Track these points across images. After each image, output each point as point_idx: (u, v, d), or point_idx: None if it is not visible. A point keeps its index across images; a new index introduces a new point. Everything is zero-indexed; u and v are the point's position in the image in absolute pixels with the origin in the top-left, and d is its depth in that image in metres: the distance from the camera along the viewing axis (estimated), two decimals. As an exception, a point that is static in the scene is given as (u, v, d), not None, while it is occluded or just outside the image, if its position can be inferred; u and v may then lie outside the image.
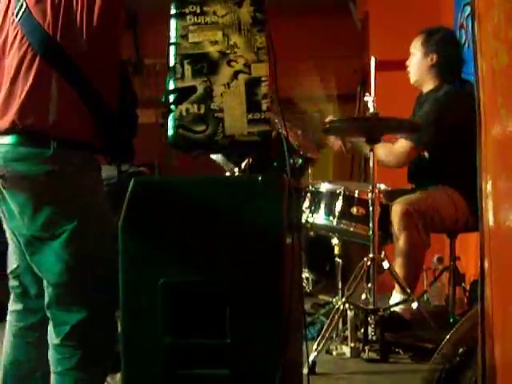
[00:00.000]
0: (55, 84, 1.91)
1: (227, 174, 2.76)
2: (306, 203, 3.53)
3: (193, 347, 1.85)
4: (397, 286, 3.36)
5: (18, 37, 1.94)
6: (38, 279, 2.03)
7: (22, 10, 1.93)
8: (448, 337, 2.70)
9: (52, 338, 1.97)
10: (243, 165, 2.71)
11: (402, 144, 3.61)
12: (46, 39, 1.91)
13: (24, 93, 1.90)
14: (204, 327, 1.84)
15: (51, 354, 1.98)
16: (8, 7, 2.01)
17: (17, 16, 1.94)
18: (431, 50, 3.66)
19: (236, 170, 2.73)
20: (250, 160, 2.70)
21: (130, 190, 1.85)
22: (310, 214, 3.49)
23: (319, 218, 3.53)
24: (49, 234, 1.91)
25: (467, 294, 3.79)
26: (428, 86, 3.74)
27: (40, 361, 2.06)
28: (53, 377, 1.98)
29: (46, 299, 1.96)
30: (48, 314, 1.98)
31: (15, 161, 1.90)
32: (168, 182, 2.00)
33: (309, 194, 3.55)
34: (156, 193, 1.89)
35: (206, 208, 1.86)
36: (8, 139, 1.90)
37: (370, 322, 3.14)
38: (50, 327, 1.98)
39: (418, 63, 3.73)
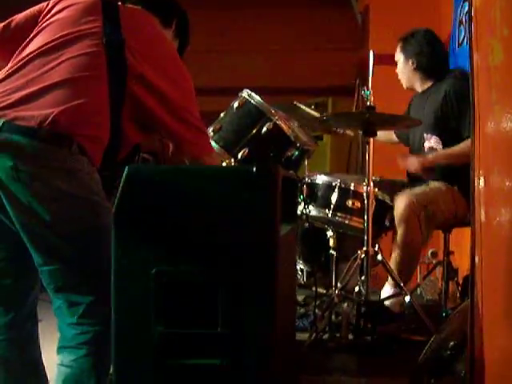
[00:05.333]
0: (105, 105, 2.02)
1: (223, 163, 2.77)
2: (302, 195, 3.53)
3: (185, 337, 1.86)
4: (389, 278, 3.38)
5: (94, 48, 2.04)
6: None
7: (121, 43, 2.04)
8: (439, 330, 2.73)
9: (66, 318, 2.03)
10: (239, 155, 2.71)
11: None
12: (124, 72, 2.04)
13: (74, 95, 1.97)
14: (196, 317, 1.85)
15: (66, 331, 2.03)
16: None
17: (107, 35, 2.04)
18: (410, 54, 3.76)
19: (232, 160, 2.74)
20: (246, 151, 2.71)
21: (123, 178, 1.85)
22: (306, 206, 3.49)
23: (314, 209, 3.54)
24: (60, 226, 1.96)
25: (460, 288, 3.81)
26: (421, 87, 3.78)
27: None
28: (64, 352, 2.02)
29: (58, 283, 2.01)
30: (59, 297, 2.03)
31: (34, 155, 1.91)
32: (162, 171, 2.00)
33: (305, 186, 3.56)
34: (150, 181, 1.90)
35: (199, 197, 1.86)
36: (34, 132, 1.91)
37: (363, 314, 3.16)
38: (64, 308, 2.03)
39: (402, 69, 3.82)
